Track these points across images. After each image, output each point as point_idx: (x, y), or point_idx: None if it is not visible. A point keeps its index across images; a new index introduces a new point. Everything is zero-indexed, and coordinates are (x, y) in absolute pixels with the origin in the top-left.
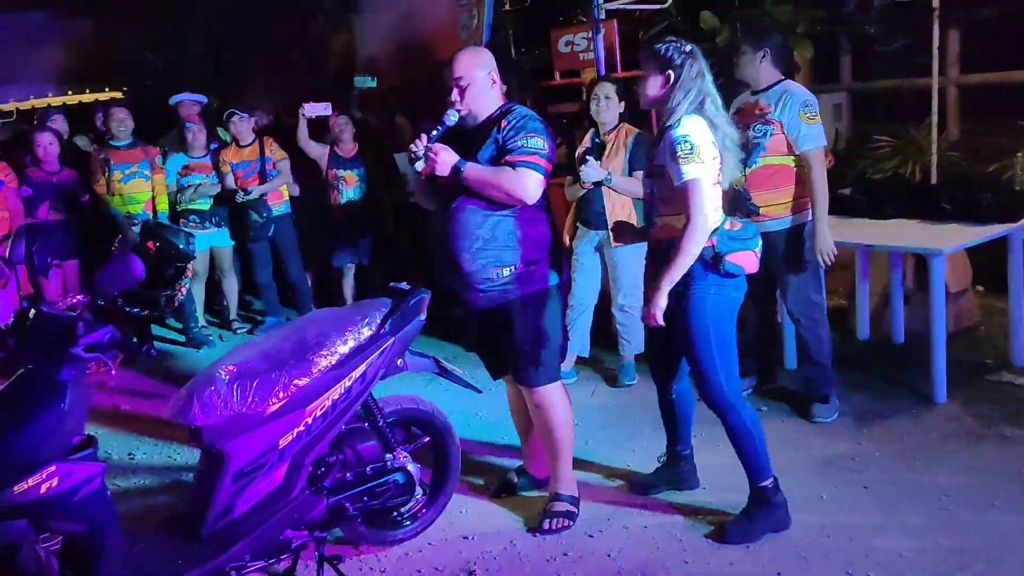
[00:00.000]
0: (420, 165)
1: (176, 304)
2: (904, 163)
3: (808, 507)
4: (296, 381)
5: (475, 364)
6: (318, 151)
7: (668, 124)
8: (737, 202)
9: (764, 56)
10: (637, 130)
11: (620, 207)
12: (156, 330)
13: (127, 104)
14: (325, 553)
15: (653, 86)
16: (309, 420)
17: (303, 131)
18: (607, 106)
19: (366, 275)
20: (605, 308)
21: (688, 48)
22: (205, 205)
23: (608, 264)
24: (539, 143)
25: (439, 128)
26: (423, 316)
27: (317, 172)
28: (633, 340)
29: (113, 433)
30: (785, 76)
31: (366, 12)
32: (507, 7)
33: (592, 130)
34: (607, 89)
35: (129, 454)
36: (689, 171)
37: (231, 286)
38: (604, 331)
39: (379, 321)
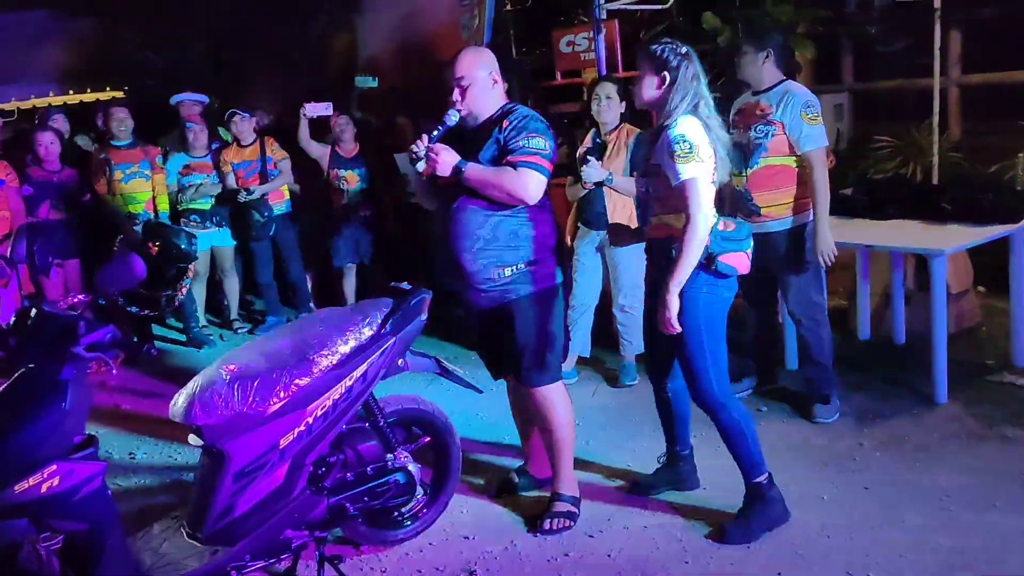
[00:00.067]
0: (421, 165)
1: (177, 304)
2: (905, 163)
3: (808, 507)
4: (297, 381)
5: (476, 364)
6: (319, 151)
7: (665, 124)
8: (738, 203)
9: (767, 57)
10: (638, 130)
11: (621, 207)
12: (157, 330)
13: (127, 104)
14: (326, 553)
15: (649, 87)
16: (310, 420)
17: (304, 131)
18: (608, 106)
19: (367, 275)
20: (606, 308)
21: (684, 50)
22: (206, 205)
23: (609, 264)
24: (541, 143)
25: (440, 128)
26: (424, 316)
27: (318, 172)
28: (634, 340)
29: (114, 432)
30: (786, 76)
31: (367, 12)
32: (508, 7)
33: (593, 130)
34: (608, 89)
35: (130, 453)
36: (688, 170)
37: (232, 286)
38: (605, 331)
39: (380, 321)
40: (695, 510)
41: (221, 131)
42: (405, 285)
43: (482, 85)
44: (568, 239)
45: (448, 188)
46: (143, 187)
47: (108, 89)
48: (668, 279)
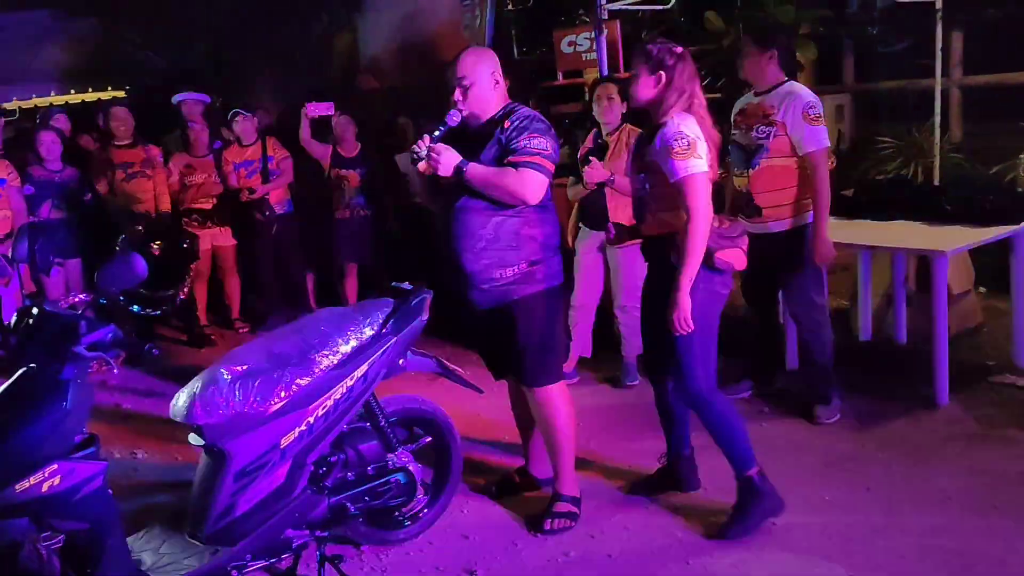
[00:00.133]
0: (423, 165)
1: (178, 303)
2: (907, 164)
3: (809, 508)
4: (298, 380)
5: (477, 364)
6: (321, 151)
7: (662, 122)
8: (740, 203)
9: (771, 57)
10: (640, 131)
11: (622, 208)
12: (158, 329)
13: (128, 103)
14: (326, 552)
15: (646, 87)
16: (311, 419)
17: (306, 131)
18: (610, 107)
19: (368, 275)
20: (607, 308)
21: (679, 50)
22: (207, 204)
23: (610, 265)
24: (542, 143)
25: (442, 128)
26: (425, 316)
27: (319, 172)
28: (635, 341)
29: (115, 432)
30: (788, 77)
31: (368, 12)
32: (510, 7)
33: (595, 131)
34: (610, 90)
35: (131, 453)
36: (688, 166)
37: (233, 285)
38: (606, 332)
39: (381, 321)
40: (696, 511)
41: (222, 130)
42: (406, 285)
43: (484, 85)
44: (569, 239)
45: (450, 188)
46: (145, 186)
47: (109, 89)
48: (677, 278)
